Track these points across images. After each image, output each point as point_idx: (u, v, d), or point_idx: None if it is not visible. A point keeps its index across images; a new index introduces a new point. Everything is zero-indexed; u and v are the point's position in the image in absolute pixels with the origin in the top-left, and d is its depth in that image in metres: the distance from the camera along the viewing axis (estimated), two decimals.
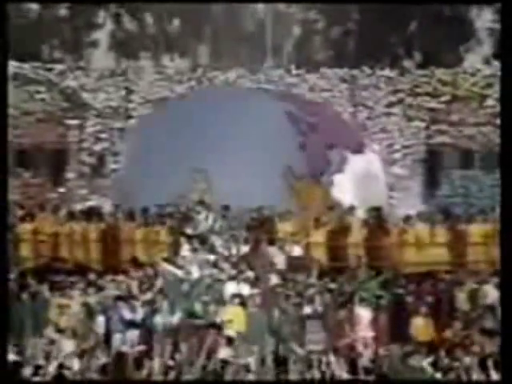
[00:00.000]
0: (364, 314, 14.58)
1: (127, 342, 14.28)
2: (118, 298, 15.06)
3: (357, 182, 21.52)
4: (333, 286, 15.55)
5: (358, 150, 22.79)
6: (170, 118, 23.62)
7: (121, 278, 15.89)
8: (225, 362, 13.08)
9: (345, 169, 21.71)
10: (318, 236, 17.56)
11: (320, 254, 17.32)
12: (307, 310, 14.48)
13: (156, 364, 13.20)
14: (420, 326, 14.44)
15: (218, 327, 14.24)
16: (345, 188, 21.21)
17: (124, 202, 20.74)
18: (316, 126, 22.79)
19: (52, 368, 12.96)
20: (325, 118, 24.56)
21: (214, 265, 16.37)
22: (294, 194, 20.36)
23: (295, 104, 24.13)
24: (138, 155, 23.52)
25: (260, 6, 33.55)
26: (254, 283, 15.56)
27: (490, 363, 12.58)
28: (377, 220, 17.92)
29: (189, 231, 17.80)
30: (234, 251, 17.01)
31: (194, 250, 17.18)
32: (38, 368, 12.92)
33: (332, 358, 12.99)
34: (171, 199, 19.11)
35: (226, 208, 18.47)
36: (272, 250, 17.01)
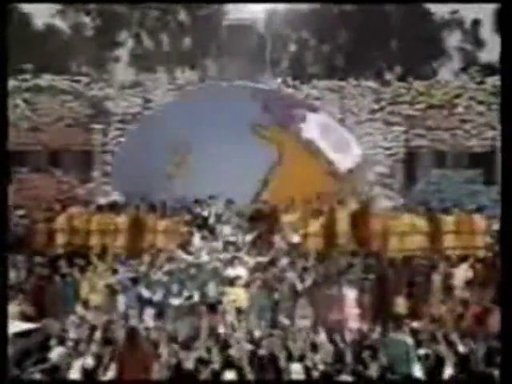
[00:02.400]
0: (350, 293, 14.54)
1: (143, 319, 14.18)
2: (137, 279, 15.08)
3: (321, 130, 21.23)
4: (322, 269, 15.51)
5: (314, 110, 22.58)
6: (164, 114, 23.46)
7: (141, 262, 15.89)
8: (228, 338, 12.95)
9: (307, 122, 21.39)
10: (314, 226, 17.48)
11: (316, 242, 17.30)
12: (299, 288, 14.49)
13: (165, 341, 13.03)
14: (401, 304, 14.48)
15: (223, 306, 14.24)
16: (313, 130, 20.90)
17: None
18: (275, 92, 22.83)
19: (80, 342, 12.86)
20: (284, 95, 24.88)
21: (222, 251, 16.39)
22: (268, 142, 19.94)
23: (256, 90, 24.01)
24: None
25: (261, 26, 33.52)
26: (256, 267, 15.57)
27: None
28: (364, 210, 17.88)
29: (200, 222, 17.85)
30: (239, 239, 17.03)
31: (204, 238, 17.24)
32: (68, 341, 12.80)
33: (320, 333, 12.88)
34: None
35: (231, 201, 18.51)
36: (275, 238, 17.01)
